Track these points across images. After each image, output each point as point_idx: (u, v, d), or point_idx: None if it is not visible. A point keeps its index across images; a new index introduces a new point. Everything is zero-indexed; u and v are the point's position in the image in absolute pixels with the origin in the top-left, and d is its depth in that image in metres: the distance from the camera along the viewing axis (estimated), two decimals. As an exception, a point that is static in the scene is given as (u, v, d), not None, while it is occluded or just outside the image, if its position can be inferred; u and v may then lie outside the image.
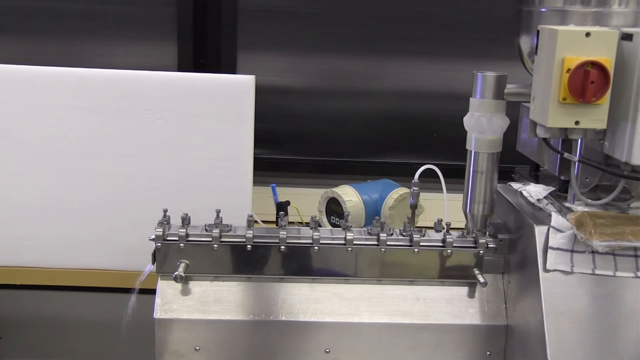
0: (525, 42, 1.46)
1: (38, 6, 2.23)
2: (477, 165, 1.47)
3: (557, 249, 1.32)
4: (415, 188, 1.56)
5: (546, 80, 1.26)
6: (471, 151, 1.48)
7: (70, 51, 2.24)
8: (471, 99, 1.47)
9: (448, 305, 1.48)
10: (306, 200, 2.14)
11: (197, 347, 1.45)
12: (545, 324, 1.27)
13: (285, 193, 2.10)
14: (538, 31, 1.30)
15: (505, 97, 1.44)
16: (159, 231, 1.45)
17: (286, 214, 2.01)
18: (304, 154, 2.32)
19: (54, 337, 2.18)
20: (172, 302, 1.46)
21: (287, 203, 2.01)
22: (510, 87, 1.43)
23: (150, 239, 1.46)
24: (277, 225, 1.99)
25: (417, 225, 1.56)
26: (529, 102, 1.42)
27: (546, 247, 1.33)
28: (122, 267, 1.93)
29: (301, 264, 1.47)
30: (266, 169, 2.18)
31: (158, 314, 1.44)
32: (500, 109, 1.44)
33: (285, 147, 2.32)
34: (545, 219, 1.37)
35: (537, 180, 1.59)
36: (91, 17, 2.23)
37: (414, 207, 1.55)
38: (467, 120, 1.47)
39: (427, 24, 2.25)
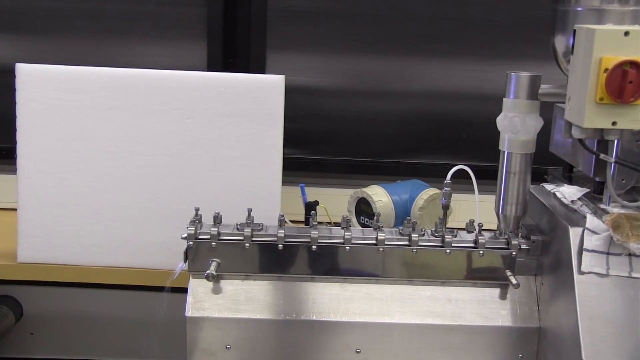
0: (560, 42, 1.44)
1: (70, 7, 2.25)
2: (510, 166, 1.46)
3: (593, 251, 1.30)
4: (447, 189, 1.55)
5: (582, 80, 1.25)
6: (504, 152, 1.47)
7: (101, 51, 2.26)
8: (504, 99, 1.45)
9: (480, 307, 1.47)
10: (335, 200, 2.14)
11: (228, 346, 1.46)
12: (580, 327, 1.25)
13: (313, 193, 2.10)
14: (574, 31, 1.28)
15: (540, 98, 1.42)
16: (191, 230, 1.46)
17: (315, 213, 2.01)
18: (332, 154, 2.31)
19: (85, 333, 2.20)
20: (203, 300, 1.46)
21: (316, 203, 2.02)
22: (544, 88, 1.42)
23: (182, 238, 1.47)
24: (305, 224, 2.00)
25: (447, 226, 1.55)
26: (563, 102, 1.41)
27: (581, 249, 1.31)
28: (152, 266, 1.94)
29: (332, 263, 1.47)
30: (295, 168, 2.18)
31: (189, 312, 1.45)
32: (534, 110, 1.43)
33: (314, 147, 2.32)
34: (579, 221, 1.36)
35: (570, 181, 1.58)
36: (122, 17, 2.25)
37: (445, 207, 1.55)
38: (500, 120, 1.46)
39: (457, 23, 2.23)
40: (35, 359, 2.28)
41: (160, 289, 1.85)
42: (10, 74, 1.88)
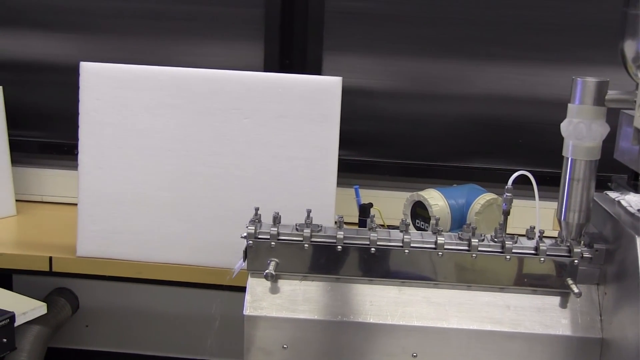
0: (630, 47, 1.41)
1: (132, 7, 2.30)
2: (574, 172, 1.44)
3: (662, 261, 1.27)
4: (508, 194, 1.53)
5: (655, 86, 1.22)
6: (568, 158, 1.44)
7: (162, 50, 2.30)
8: (569, 104, 1.43)
9: (539, 315, 1.45)
10: (388, 203, 2.13)
11: (285, 345, 1.46)
12: (647, 339, 1.22)
13: (367, 195, 2.10)
14: (648, 35, 1.25)
15: (606, 104, 1.39)
16: (251, 229, 1.47)
17: (369, 215, 2.01)
18: (387, 157, 2.31)
19: (139, 328, 2.25)
20: (261, 299, 1.47)
21: (370, 205, 2.01)
22: (611, 94, 1.39)
23: (242, 237, 1.48)
24: (359, 227, 2.00)
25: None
26: (631, 109, 1.38)
27: (648, 260, 1.28)
28: (206, 263, 1.97)
29: (391, 266, 1.47)
30: (349, 170, 2.18)
31: (247, 310, 1.46)
32: (600, 116, 1.40)
33: (368, 148, 2.32)
34: (646, 230, 1.33)
35: (636, 189, 1.54)
36: (182, 17, 2.28)
37: (506, 213, 1.53)
38: (564, 126, 1.43)
39: (516, 27, 2.20)
40: (89, 351, 2.34)
41: (213, 286, 1.88)
42: (75, 72, 1.93)
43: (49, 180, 2.39)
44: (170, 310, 2.19)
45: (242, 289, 1.53)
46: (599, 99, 1.39)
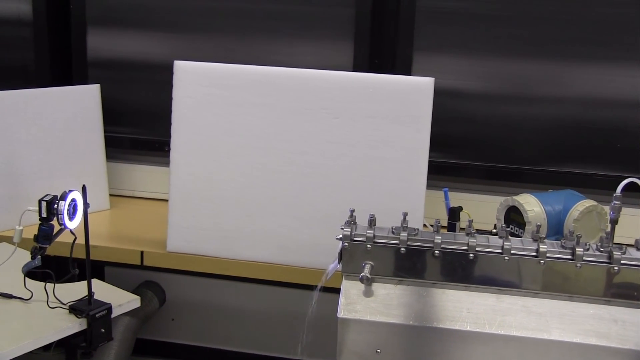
0: None
1: (223, 7, 2.33)
2: (690, 180, 1.36)
3: None
4: (617, 202, 1.46)
5: None
6: (683, 165, 1.37)
7: (251, 49, 2.31)
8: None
9: (650, 331, 1.38)
10: (477, 207, 2.08)
11: (379, 350, 1.44)
12: None
13: (455, 198, 2.06)
14: None
15: None
16: (347, 231, 1.46)
17: (458, 219, 1.96)
18: (478, 159, 2.25)
19: (223, 324, 2.27)
20: (355, 302, 1.45)
21: (460, 208, 1.96)
22: None
23: (337, 238, 1.47)
24: (448, 230, 1.96)
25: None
26: None
27: None
28: (291, 263, 1.97)
29: (489, 273, 1.43)
30: (437, 172, 2.14)
31: (342, 313, 1.45)
32: None
33: (459, 151, 2.26)
34: None
35: None
36: (272, 17, 2.29)
37: (614, 222, 1.46)
38: (681, 131, 1.36)
39: (615, 26, 2.10)
40: (175, 344, 2.39)
41: (301, 286, 1.87)
42: (169, 71, 1.96)
43: (141, 175, 2.44)
44: (256, 308, 2.21)
45: (332, 290, 1.52)
46: None
